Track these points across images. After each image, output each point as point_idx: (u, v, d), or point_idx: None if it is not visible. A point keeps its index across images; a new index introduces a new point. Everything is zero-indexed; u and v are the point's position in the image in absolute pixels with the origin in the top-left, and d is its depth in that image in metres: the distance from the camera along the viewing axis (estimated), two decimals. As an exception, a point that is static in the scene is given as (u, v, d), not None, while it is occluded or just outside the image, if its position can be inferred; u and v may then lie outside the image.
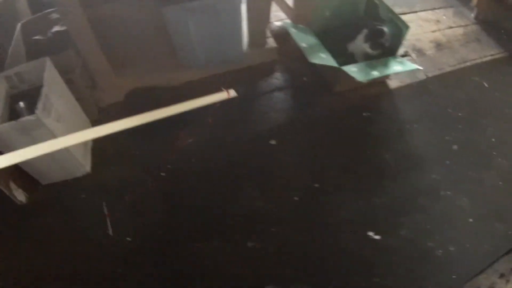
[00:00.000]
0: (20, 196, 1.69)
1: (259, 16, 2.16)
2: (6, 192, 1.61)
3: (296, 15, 2.34)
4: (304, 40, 2.07)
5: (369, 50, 2.06)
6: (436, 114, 2.17)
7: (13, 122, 1.37)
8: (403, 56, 2.24)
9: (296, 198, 1.77)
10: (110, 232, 1.62)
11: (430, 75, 2.35)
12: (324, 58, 1.98)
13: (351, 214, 1.71)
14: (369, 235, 1.63)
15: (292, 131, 2.05)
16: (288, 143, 1.99)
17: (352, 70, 1.95)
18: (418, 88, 2.30)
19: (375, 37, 2.04)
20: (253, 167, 1.89)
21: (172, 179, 1.83)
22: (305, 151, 1.99)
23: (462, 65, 2.38)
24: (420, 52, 2.48)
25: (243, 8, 1.99)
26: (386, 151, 1.95)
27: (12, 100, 1.57)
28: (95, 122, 1.91)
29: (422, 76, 2.35)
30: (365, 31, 2.07)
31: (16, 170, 1.62)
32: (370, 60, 2.08)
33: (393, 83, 2.31)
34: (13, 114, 1.48)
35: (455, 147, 1.99)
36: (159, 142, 1.95)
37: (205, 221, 1.70)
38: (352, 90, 2.18)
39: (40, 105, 1.41)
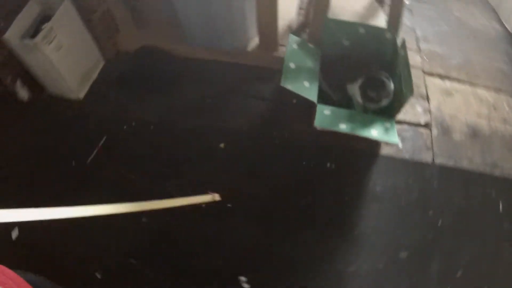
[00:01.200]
0: (23, 94, 1.89)
1: (267, 16, 1.82)
2: (11, 87, 1.83)
3: (311, 31, 1.95)
4: (298, 59, 1.71)
5: (359, 99, 1.63)
6: (407, 212, 1.67)
7: (18, 39, 1.60)
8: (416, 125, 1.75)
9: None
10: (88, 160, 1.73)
11: (438, 161, 1.83)
12: (302, 87, 1.61)
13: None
14: None
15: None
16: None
17: (324, 112, 1.57)
18: (412, 169, 1.81)
19: (371, 87, 1.59)
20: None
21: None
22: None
23: (486, 171, 1.81)
24: (445, 130, 1.94)
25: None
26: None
27: (41, 22, 1.71)
28: (109, 61, 2.08)
29: (427, 158, 1.84)
30: (364, 75, 1.63)
31: (27, 73, 1.82)
32: (365, 111, 1.67)
33: (387, 148, 1.85)
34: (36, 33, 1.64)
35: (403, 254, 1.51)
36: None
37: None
38: (332, 132, 1.71)
39: (40, 34, 1.61)
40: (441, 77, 2.10)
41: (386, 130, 1.55)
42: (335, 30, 1.74)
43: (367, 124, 1.56)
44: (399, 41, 1.67)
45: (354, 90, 1.67)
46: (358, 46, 1.74)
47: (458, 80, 2.10)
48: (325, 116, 1.57)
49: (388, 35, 1.69)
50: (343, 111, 1.60)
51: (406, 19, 2.37)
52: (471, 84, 2.11)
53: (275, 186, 1.72)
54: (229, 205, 1.63)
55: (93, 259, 1.48)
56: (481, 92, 2.12)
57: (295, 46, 1.73)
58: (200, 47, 2.06)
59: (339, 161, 1.78)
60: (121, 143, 1.83)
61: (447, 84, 2.08)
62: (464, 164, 1.83)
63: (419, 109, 1.99)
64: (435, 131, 1.93)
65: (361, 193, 1.72)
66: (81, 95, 1.99)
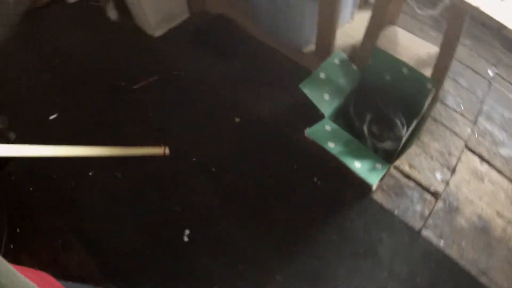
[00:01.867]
0: (112, 14, 2.29)
1: (326, 25, 1.89)
2: (103, 5, 2.24)
3: (359, 55, 1.95)
4: (332, 73, 1.73)
5: (365, 131, 1.63)
6: (359, 261, 1.62)
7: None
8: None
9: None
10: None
11: (424, 234, 1.75)
12: (319, 98, 1.66)
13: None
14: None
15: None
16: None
17: (325, 126, 1.63)
18: (393, 226, 1.74)
19: (378, 123, 1.58)
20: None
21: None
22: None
23: (472, 271, 1.65)
24: (452, 209, 1.82)
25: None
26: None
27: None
28: (192, 16, 2.39)
29: (415, 224, 1.77)
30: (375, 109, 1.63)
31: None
32: (374, 148, 1.68)
33: (381, 196, 1.80)
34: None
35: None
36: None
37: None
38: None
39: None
40: (482, 159, 1.94)
41: (373, 169, 1.52)
42: (381, 62, 1.72)
43: (358, 155, 1.55)
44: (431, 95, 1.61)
45: (366, 121, 1.66)
46: (398, 84, 1.71)
47: (499, 171, 1.92)
48: (322, 130, 1.60)
49: (429, 85, 1.63)
50: (343, 133, 1.61)
51: (479, 88, 2.21)
52: (511, 181, 1.92)
53: (256, 173, 1.81)
54: (213, 169, 1.80)
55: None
56: (507, 184, 1.92)
57: (336, 61, 1.76)
58: (268, 33, 2.19)
59: (328, 182, 1.79)
60: (167, 85, 2.09)
61: (484, 168, 1.92)
62: (452, 252, 1.70)
63: (438, 176, 1.88)
64: (440, 204, 1.81)
65: (327, 221, 1.71)
66: (157, 34, 2.28)
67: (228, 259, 1.60)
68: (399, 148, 1.57)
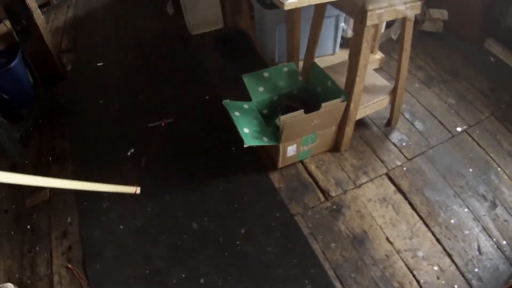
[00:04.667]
0: (170, 10, 3.25)
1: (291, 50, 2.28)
2: (164, 5, 3.23)
3: (303, 71, 2.24)
4: (273, 76, 2.09)
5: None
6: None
7: None
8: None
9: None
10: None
11: (296, 218, 1.91)
12: (255, 89, 2.03)
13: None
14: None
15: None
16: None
17: (244, 105, 1.95)
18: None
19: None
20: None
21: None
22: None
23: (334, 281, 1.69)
24: (335, 213, 1.91)
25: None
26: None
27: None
28: (224, 27, 3.16)
29: (294, 209, 1.95)
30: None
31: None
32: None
33: (277, 176, 2.02)
34: None
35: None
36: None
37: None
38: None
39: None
40: (399, 190, 1.95)
41: (257, 138, 1.79)
42: (317, 76, 2.01)
43: (254, 126, 1.87)
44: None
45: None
46: (324, 94, 1.95)
47: (412, 206, 1.91)
48: (239, 105, 1.93)
49: (342, 96, 1.84)
50: (254, 112, 1.95)
51: (436, 137, 2.18)
52: (421, 219, 1.90)
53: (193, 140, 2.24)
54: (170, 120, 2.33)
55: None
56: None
57: (285, 69, 2.07)
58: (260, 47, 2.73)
59: (242, 153, 2.05)
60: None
61: (396, 198, 1.93)
62: (316, 246, 1.78)
63: (339, 184, 2.00)
64: (327, 204, 1.91)
65: (225, 177, 2.02)
66: (194, 32, 2.99)
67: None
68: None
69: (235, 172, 2.05)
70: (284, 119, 1.72)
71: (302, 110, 1.75)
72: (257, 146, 1.89)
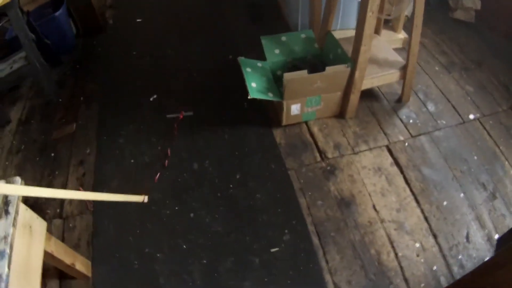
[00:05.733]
0: None
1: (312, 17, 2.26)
2: None
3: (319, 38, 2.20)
4: (290, 40, 2.10)
5: None
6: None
7: None
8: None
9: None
10: None
11: (289, 172, 1.94)
12: (271, 50, 2.06)
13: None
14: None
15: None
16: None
17: (257, 63, 1.99)
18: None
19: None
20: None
21: None
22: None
23: (313, 237, 1.74)
24: (327, 174, 1.93)
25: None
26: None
27: None
28: None
29: (289, 164, 1.99)
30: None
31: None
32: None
33: (280, 133, 2.06)
34: None
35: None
36: None
37: None
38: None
39: None
40: (396, 163, 1.92)
41: (262, 92, 1.84)
42: (331, 44, 1.99)
43: (262, 82, 1.91)
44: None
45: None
46: (335, 60, 1.93)
47: (407, 181, 1.87)
48: (253, 63, 1.96)
49: (348, 64, 1.82)
50: (266, 70, 1.99)
51: (446, 120, 2.11)
52: (413, 195, 1.90)
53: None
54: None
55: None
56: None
57: (302, 35, 2.10)
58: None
59: (252, 109, 2.15)
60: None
61: (392, 170, 1.90)
62: (302, 200, 1.82)
63: (337, 148, 2.00)
64: (322, 164, 1.93)
65: (232, 127, 2.08)
66: None
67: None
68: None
69: (242, 125, 2.08)
70: (287, 76, 1.73)
71: (305, 70, 1.74)
72: (266, 104, 1.95)
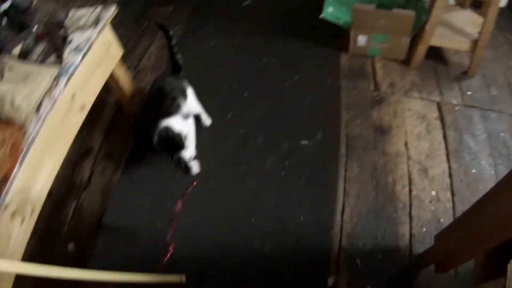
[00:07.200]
0: None
1: None
2: None
3: None
4: None
5: None
6: None
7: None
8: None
9: None
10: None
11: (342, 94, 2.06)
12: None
13: None
14: None
15: None
16: None
17: (328, 9, 2.07)
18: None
19: None
20: None
21: None
22: None
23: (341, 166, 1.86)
24: (375, 104, 2.00)
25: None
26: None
27: None
28: None
29: (343, 95, 2.10)
30: None
31: None
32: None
33: (346, 60, 2.17)
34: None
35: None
36: None
37: None
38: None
39: None
40: (440, 119, 1.94)
41: (337, 18, 1.97)
42: None
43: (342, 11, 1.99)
44: None
45: None
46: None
47: (444, 136, 1.89)
48: (329, 12, 2.05)
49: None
50: (341, 13, 2.05)
51: (505, 103, 2.04)
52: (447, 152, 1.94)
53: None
54: None
55: None
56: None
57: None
58: None
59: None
60: None
61: (435, 124, 1.90)
62: (344, 125, 1.95)
63: (393, 86, 2.10)
64: (375, 94, 2.04)
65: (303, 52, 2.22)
66: None
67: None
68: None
69: (315, 41, 2.21)
70: (356, 5, 1.81)
71: (373, 5, 1.82)
72: (342, 31, 2.05)
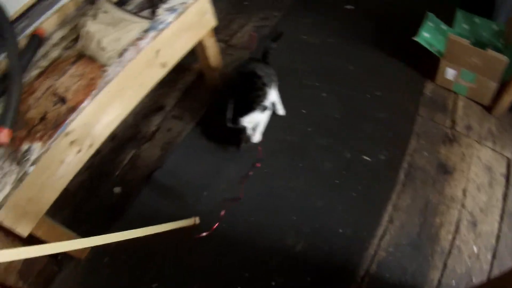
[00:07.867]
0: None
1: None
2: None
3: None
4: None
5: None
6: None
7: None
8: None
9: None
10: None
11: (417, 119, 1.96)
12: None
13: None
14: None
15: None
16: None
17: (424, 33, 1.97)
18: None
19: None
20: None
21: None
22: None
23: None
24: (445, 142, 1.95)
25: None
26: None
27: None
28: None
29: (418, 122, 2.01)
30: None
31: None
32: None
33: (430, 89, 2.07)
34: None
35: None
36: None
37: None
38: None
39: None
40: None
41: (431, 43, 1.88)
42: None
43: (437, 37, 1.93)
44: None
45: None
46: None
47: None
48: (423, 37, 1.93)
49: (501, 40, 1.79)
50: (436, 40, 1.94)
51: None
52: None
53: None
54: None
55: None
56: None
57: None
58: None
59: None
60: None
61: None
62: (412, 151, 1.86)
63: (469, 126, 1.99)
64: (448, 131, 1.96)
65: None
66: None
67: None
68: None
69: (405, 62, 2.12)
70: (451, 35, 1.72)
71: (469, 40, 1.72)
72: (433, 58, 1.93)
